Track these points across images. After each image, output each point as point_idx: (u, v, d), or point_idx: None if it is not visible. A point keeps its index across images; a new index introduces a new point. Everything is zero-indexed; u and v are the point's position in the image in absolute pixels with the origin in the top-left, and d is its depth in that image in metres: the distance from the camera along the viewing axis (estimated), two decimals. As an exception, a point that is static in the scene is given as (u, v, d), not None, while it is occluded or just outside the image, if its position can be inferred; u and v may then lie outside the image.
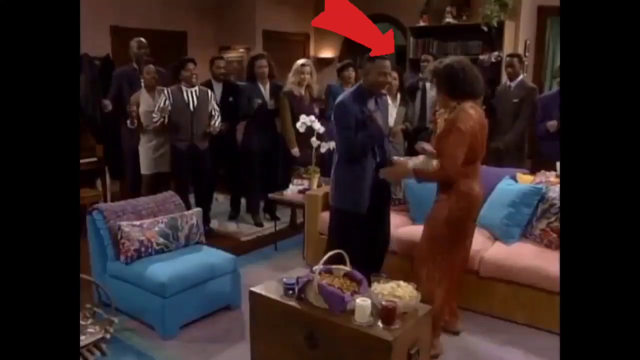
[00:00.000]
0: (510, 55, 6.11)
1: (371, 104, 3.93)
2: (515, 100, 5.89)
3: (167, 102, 5.56)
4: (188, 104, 5.65)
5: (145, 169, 5.98)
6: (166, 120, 5.58)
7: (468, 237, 3.73)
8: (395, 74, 5.98)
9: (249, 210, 6.77)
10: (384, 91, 3.97)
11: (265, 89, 6.31)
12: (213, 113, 5.86)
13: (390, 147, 4.09)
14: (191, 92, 5.69)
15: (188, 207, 4.88)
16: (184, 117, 5.64)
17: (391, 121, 5.84)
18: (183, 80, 5.66)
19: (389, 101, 5.94)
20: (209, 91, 5.95)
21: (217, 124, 5.85)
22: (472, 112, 3.41)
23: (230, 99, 6.45)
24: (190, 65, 5.67)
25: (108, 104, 6.28)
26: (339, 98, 3.97)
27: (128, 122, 5.88)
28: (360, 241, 3.87)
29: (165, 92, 5.63)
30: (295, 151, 6.05)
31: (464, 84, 3.42)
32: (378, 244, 4.19)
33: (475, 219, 3.77)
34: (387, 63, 3.87)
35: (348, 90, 4.09)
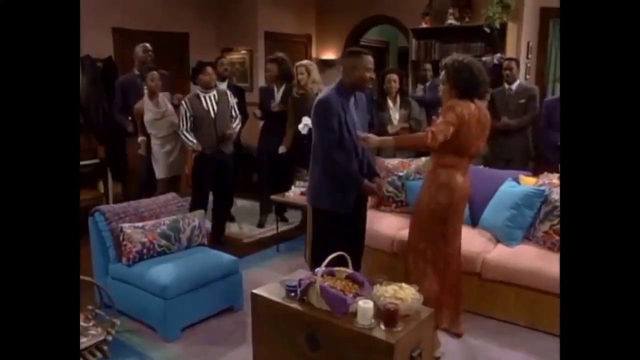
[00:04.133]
0: (508, 59, 6.19)
1: (351, 102, 3.82)
2: (522, 101, 5.97)
3: (188, 113, 5.49)
4: (208, 110, 5.57)
5: (160, 173, 5.92)
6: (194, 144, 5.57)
7: (455, 234, 3.73)
8: (395, 76, 6.00)
9: (263, 211, 6.79)
10: (370, 86, 3.89)
11: (278, 92, 6.37)
12: (233, 114, 5.82)
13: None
14: (209, 97, 5.60)
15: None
16: (207, 125, 5.56)
17: (395, 123, 5.89)
18: (201, 84, 5.57)
19: (390, 104, 5.97)
20: (227, 91, 5.92)
21: (236, 126, 5.83)
22: (473, 106, 3.48)
23: (235, 99, 6.48)
24: (209, 69, 5.59)
25: (129, 125, 6.21)
26: (321, 96, 3.82)
27: (129, 127, 5.91)
28: (342, 241, 3.66)
29: (184, 104, 5.53)
30: (282, 148, 6.15)
31: (476, 87, 3.49)
32: (355, 244, 4.04)
33: (461, 213, 3.77)
34: (372, 59, 3.77)
35: (329, 88, 3.86)
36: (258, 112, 6.36)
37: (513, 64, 6.08)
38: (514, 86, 6.07)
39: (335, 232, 3.83)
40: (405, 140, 3.72)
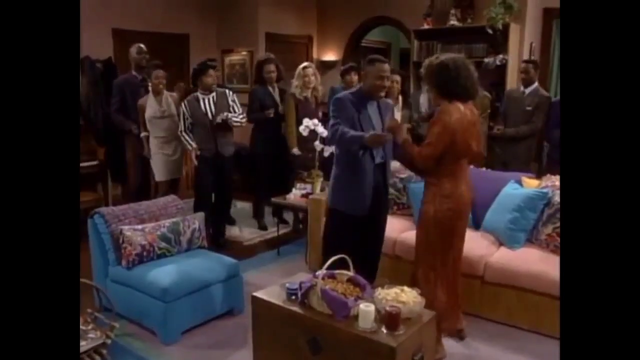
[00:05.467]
0: (526, 62, 6.09)
1: (372, 109, 3.86)
2: (528, 108, 5.86)
3: (187, 115, 5.53)
4: (206, 113, 5.56)
5: (160, 176, 5.95)
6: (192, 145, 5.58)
7: (459, 238, 3.70)
8: (397, 77, 5.98)
9: (256, 213, 6.76)
10: (382, 94, 3.89)
11: (275, 93, 6.34)
12: (233, 111, 5.73)
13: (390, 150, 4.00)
14: (208, 99, 5.59)
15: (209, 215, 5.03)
16: (204, 127, 5.58)
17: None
18: (202, 86, 5.56)
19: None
20: (227, 91, 5.88)
21: (237, 117, 5.71)
22: (462, 107, 3.43)
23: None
24: (212, 72, 5.60)
25: (135, 129, 6.04)
26: (337, 95, 3.97)
27: (133, 127, 5.86)
28: (355, 245, 3.72)
29: (183, 106, 5.56)
30: (295, 150, 6.08)
31: (455, 84, 3.42)
32: (370, 251, 4.07)
33: (466, 219, 3.73)
34: (386, 67, 3.80)
35: (348, 91, 4.05)
36: (271, 112, 6.21)
37: (530, 67, 5.93)
38: (529, 90, 5.95)
39: (349, 234, 3.83)
40: (409, 149, 3.59)
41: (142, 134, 5.90)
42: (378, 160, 3.87)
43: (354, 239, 3.81)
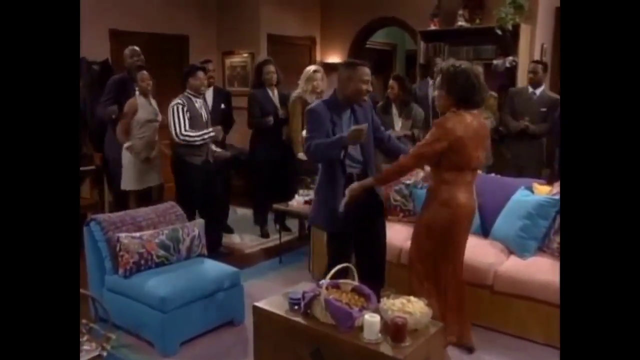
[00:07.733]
0: (535, 62, 6.07)
1: (346, 117, 3.73)
2: (543, 109, 5.78)
3: (187, 112, 5.24)
4: (201, 115, 5.40)
5: (131, 184, 5.61)
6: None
7: (458, 249, 3.62)
8: (392, 83, 5.94)
9: (257, 220, 6.67)
10: (365, 98, 3.78)
11: (274, 97, 6.23)
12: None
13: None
14: (199, 102, 5.46)
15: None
16: (199, 129, 5.34)
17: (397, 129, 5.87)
18: (191, 88, 5.37)
19: (394, 110, 5.88)
20: (228, 91, 5.74)
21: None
22: (469, 117, 3.41)
23: (223, 105, 6.30)
24: (201, 74, 5.42)
25: (115, 110, 5.71)
26: (310, 106, 3.83)
27: (112, 108, 5.60)
28: (351, 256, 3.64)
29: (179, 105, 5.25)
30: (301, 155, 5.93)
31: (474, 92, 3.41)
32: (372, 259, 3.93)
33: (466, 231, 3.63)
34: (368, 71, 3.69)
35: (320, 99, 3.92)
36: (270, 119, 6.12)
37: (539, 68, 5.89)
38: (538, 91, 5.90)
39: (340, 250, 3.75)
40: (389, 174, 3.65)
41: (127, 145, 5.54)
42: (351, 170, 3.73)
43: (348, 252, 3.72)
